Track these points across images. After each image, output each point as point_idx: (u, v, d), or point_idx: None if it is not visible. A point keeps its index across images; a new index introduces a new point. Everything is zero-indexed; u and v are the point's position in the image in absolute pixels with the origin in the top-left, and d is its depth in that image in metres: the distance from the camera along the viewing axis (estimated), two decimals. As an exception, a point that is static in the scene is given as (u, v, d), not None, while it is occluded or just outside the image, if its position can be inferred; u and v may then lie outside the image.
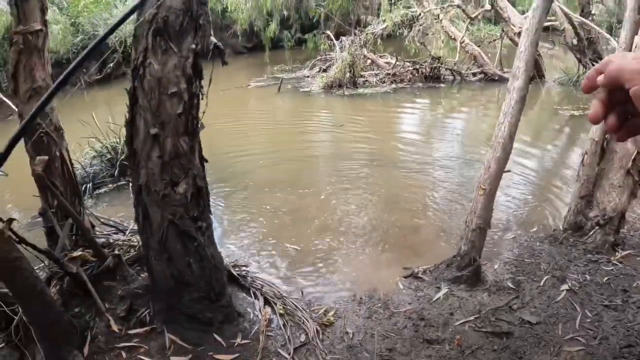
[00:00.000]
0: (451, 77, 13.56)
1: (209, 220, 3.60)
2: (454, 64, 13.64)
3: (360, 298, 4.14)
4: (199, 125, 3.29)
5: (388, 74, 13.54)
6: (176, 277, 3.55)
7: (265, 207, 6.33)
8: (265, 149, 9.14)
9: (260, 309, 3.98)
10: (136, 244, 4.45)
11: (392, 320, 3.81)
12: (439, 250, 5.02)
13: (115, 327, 3.78)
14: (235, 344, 3.67)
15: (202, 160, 3.42)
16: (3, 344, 3.77)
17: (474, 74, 13.49)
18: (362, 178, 7.20)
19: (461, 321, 3.73)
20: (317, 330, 3.71)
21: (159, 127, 3.08)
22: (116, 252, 4.22)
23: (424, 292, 4.16)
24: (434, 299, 4.04)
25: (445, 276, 4.29)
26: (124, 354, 3.66)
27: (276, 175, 7.55)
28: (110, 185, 7.33)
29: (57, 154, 4.04)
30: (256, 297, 4.13)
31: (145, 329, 3.80)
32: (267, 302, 4.08)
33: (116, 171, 7.39)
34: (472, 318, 3.75)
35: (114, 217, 5.58)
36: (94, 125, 7.29)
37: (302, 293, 4.38)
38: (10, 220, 2.95)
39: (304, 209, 6.26)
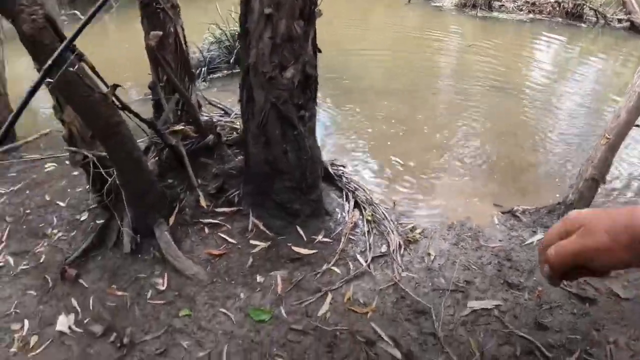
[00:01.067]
0: (594, 19, 12.33)
1: (313, 111, 3.52)
2: (600, 5, 12.37)
3: (452, 223, 3.98)
4: (316, 12, 3.14)
5: (527, 2, 12.59)
6: (271, 162, 3.55)
7: (376, 113, 6.21)
8: (385, 54, 8.87)
9: (348, 212, 3.95)
10: (239, 127, 4.50)
11: (477, 253, 3.63)
12: (543, 195, 4.70)
13: (203, 203, 3.90)
14: (316, 241, 3.68)
15: (316, 48, 3.29)
16: (96, 205, 4.04)
17: (619, 21, 12.18)
18: (481, 103, 6.79)
19: (548, 273, 3.48)
20: (399, 244, 3.62)
21: (274, 8, 2.96)
22: (217, 131, 4.30)
23: (517, 233, 3.92)
24: (526, 242, 3.79)
25: (544, 222, 4.01)
26: (206, 230, 3.79)
27: (392, 83, 7.33)
28: (225, 71, 7.47)
29: (172, 30, 4.05)
30: (347, 199, 4.09)
31: (231, 209, 3.90)
32: (357, 205, 4.03)
33: (232, 58, 7.49)
34: (560, 273, 3.48)
35: (223, 101, 5.68)
36: (214, 13, 7.34)
37: (394, 204, 4.29)
38: (115, 86, 3.03)
39: (415, 122, 6.04)
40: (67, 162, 4.15)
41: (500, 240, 3.80)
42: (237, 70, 7.41)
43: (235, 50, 7.46)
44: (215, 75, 7.38)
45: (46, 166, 5.10)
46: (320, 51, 3.34)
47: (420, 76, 7.78)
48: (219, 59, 7.57)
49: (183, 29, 4.17)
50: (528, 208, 4.20)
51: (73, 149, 3.67)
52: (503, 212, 4.18)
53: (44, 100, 6.02)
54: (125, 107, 3.33)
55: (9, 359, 3.09)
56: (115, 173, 3.56)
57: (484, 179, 4.91)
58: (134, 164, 3.38)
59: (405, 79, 7.56)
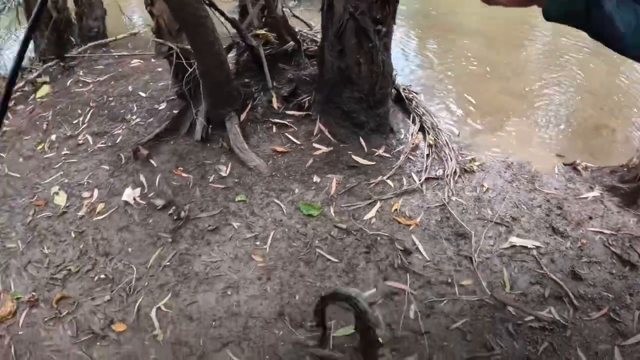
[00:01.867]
0: None
1: (391, 28, 3.58)
2: None
3: (511, 162, 3.97)
4: None
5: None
6: (343, 71, 3.66)
7: (461, 50, 6.17)
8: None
9: (412, 134, 4.04)
10: (318, 40, 4.61)
11: (530, 195, 3.62)
12: (613, 160, 4.56)
13: (275, 104, 4.10)
14: (376, 154, 3.82)
15: (400, -35, 3.32)
16: (175, 96, 4.33)
17: None
18: (574, 58, 6.44)
19: (595, 229, 3.37)
20: (456, 170, 3.69)
21: None
22: (298, 39, 4.43)
23: (575, 186, 3.86)
24: (581, 196, 3.72)
25: (603, 181, 3.91)
26: (274, 129, 4.00)
27: (484, 23, 7.21)
28: (316, -8, 7.50)
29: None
30: (414, 121, 4.18)
31: (300, 113, 4.08)
32: (422, 130, 4.12)
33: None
34: (607, 232, 3.35)
35: (309, 20, 5.75)
36: None
37: (458, 134, 4.39)
38: (203, -18, 3.25)
39: (499, 66, 5.94)
40: (154, 53, 4.43)
41: (555, 189, 3.75)
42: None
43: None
44: (306, -6, 7.46)
45: (132, 62, 5.44)
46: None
47: (516, 20, 7.46)
48: (313, -22, 7.60)
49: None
50: (591, 165, 4.13)
51: (160, 40, 3.93)
52: (565, 164, 4.13)
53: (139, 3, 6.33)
54: (211, 4, 3.55)
55: (75, 221, 3.46)
56: (196, 64, 3.79)
57: (554, 132, 4.82)
58: (214, 56, 3.60)
59: (499, 20, 7.33)
